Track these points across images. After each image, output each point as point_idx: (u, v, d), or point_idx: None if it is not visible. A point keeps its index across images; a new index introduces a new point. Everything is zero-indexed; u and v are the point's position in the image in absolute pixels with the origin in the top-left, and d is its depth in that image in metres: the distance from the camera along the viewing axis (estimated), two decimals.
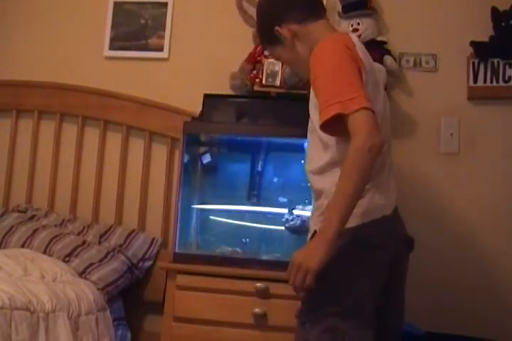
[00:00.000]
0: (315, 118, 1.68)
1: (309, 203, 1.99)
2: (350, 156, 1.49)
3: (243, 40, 2.68)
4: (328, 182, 1.62)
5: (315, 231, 1.65)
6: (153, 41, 2.84)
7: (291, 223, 2.33)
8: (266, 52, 2.49)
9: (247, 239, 2.43)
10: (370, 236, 1.58)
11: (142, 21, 2.86)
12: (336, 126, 1.55)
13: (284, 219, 2.34)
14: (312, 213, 1.75)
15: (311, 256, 1.48)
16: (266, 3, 1.89)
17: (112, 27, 2.87)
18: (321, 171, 1.68)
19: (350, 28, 2.50)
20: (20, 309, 1.85)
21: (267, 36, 1.86)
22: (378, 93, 1.73)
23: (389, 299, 1.67)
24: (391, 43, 2.57)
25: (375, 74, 1.74)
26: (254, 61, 2.56)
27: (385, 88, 2.47)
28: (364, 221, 1.58)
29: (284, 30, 1.77)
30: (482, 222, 2.48)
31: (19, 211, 2.72)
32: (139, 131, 2.78)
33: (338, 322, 1.56)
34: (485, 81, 2.52)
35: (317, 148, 1.71)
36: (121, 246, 2.55)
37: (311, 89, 1.69)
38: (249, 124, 2.40)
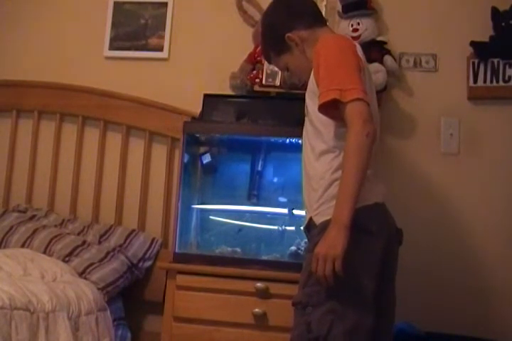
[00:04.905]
0: (311, 105, 1.77)
1: None
2: (351, 143, 1.59)
3: (243, 40, 2.68)
4: (323, 166, 1.72)
5: (311, 218, 1.72)
6: (153, 41, 2.84)
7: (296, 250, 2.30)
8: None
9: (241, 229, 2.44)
10: (363, 222, 1.61)
11: (142, 21, 2.86)
12: (331, 110, 1.67)
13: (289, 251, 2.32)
14: (309, 199, 1.77)
15: (333, 244, 1.55)
16: (273, 13, 1.95)
17: (112, 27, 2.88)
18: (318, 157, 1.75)
19: (350, 28, 2.50)
20: (20, 309, 1.84)
21: (275, 45, 1.91)
22: (372, 94, 1.80)
23: (383, 285, 1.70)
24: (391, 43, 2.57)
25: (371, 76, 1.85)
26: (254, 61, 2.56)
27: (385, 88, 2.48)
28: (356, 206, 1.60)
29: (295, 37, 1.85)
30: (482, 221, 2.48)
31: (19, 211, 2.72)
32: (139, 131, 2.78)
33: (338, 305, 1.61)
34: (485, 81, 2.52)
35: (312, 137, 1.78)
36: (121, 246, 2.55)
37: (312, 78, 1.75)
38: (249, 124, 2.40)
